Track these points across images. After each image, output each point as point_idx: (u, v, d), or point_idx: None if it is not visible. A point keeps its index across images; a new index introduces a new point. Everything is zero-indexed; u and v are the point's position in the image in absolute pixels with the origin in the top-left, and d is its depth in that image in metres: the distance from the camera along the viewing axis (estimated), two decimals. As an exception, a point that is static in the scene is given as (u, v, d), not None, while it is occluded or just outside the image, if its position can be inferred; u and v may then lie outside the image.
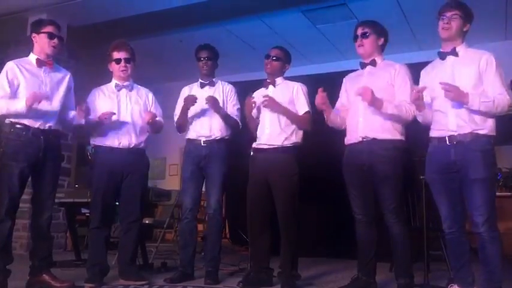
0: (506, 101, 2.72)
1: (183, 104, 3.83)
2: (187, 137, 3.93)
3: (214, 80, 3.97)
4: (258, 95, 3.77)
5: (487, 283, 2.69)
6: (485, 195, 2.68)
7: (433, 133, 2.92)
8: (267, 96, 3.56)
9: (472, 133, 2.75)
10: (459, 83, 2.78)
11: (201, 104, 3.82)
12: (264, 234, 3.57)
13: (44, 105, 3.32)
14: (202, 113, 3.85)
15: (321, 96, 3.28)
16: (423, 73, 3.08)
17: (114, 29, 6.03)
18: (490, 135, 2.77)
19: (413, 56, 5.77)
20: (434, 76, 2.94)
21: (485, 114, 2.74)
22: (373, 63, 3.29)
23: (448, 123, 2.82)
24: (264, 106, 3.59)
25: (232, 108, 3.94)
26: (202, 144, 3.82)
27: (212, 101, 3.72)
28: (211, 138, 3.81)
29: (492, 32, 6.08)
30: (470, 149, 2.73)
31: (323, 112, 3.36)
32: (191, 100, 3.72)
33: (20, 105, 3.20)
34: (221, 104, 3.86)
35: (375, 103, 3.08)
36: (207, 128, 3.83)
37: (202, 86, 3.96)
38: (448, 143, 2.80)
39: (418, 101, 2.90)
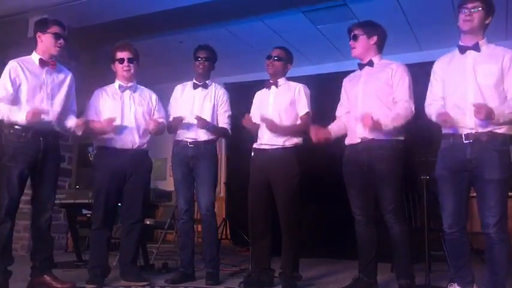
0: None
1: (175, 106, 3.91)
2: (174, 138, 3.94)
3: (208, 82, 3.97)
4: (260, 96, 3.78)
5: (492, 284, 2.67)
6: (498, 197, 2.64)
7: (448, 129, 2.85)
8: (264, 118, 3.55)
9: (490, 131, 2.68)
10: (480, 80, 2.72)
11: (189, 107, 3.82)
12: (265, 235, 3.57)
13: (45, 108, 3.33)
14: (190, 114, 3.83)
15: (315, 134, 3.27)
16: (438, 65, 2.99)
17: (115, 30, 6.04)
18: (507, 134, 2.70)
19: (414, 56, 5.78)
20: (451, 70, 2.87)
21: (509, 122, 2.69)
22: (371, 63, 3.28)
23: (466, 120, 2.74)
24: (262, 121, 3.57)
25: (223, 115, 3.93)
26: (189, 145, 3.82)
27: (201, 125, 3.74)
28: (197, 140, 3.82)
29: (493, 31, 6.03)
30: (488, 148, 2.67)
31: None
32: (179, 121, 3.78)
33: (20, 117, 3.21)
34: (211, 108, 3.88)
35: (375, 127, 3.03)
36: (193, 132, 3.82)
37: (195, 87, 3.95)
38: (464, 140, 2.74)
39: (446, 123, 2.82)
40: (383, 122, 3.03)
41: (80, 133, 3.52)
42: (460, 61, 2.85)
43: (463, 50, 2.84)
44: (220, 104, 3.94)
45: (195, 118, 3.74)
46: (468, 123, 2.74)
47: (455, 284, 2.86)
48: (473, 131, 2.72)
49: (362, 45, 3.26)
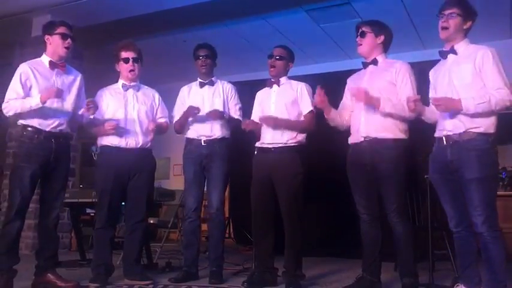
0: (505, 95, 2.63)
1: (182, 107, 3.85)
2: (187, 137, 3.93)
3: (213, 79, 3.97)
4: (262, 95, 3.78)
5: (492, 283, 2.67)
6: (482, 195, 2.64)
7: (436, 133, 2.91)
8: (264, 117, 3.55)
9: (467, 132, 2.70)
10: (455, 82, 2.76)
11: (201, 104, 3.82)
12: (268, 234, 3.57)
13: (56, 108, 3.36)
14: (202, 113, 3.83)
15: (319, 94, 3.27)
16: (430, 73, 3.04)
17: (118, 29, 6.05)
18: (487, 133, 2.70)
19: (417, 55, 5.76)
20: (438, 76, 2.94)
21: (484, 115, 2.68)
22: (375, 62, 3.28)
23: (445, 123, 2.80)
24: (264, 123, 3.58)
25: (234, 107, 3.94)
26: (203, 143, 3.82)
27: (214, 115, 3.74)
28: (212, 138, 3.82)
29: (496, 30, 6.05)
30: (465, 148, 2.70)
31: (323, 110, 3.35)
32: (193, 112, 3.74)
33: (34, 102, 3.23)
34: (222, 104, 3.87)
35: (371, 102, 3.08)
36: (207, 128, 3.83)
37: (201, 85, 3.96)
38: (444, 143, 2.79)
39: (415, 109, 2.89)
40: (382, 103, 3.06)
41: (91, 115, 3.51)
42: (442, 66, 2.92)
43: (443, 55, 2.91)
44: (230, 98, 3.95)
45: (206, 114, 3.74)
46: (447, 126, 2.79)
47: (462, 284, 2.85)
48: (452, 133, 2.76)
49: (369, 42, 3.27)
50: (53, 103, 3.35)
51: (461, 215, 2.81)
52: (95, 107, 3.44)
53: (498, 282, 2.64)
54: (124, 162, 3.57)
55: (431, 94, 2.99)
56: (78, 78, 3.58)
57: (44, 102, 3.22)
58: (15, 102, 3.26)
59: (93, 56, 6.62)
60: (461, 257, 2.87)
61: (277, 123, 3.52)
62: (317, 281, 3.84)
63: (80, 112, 3.55)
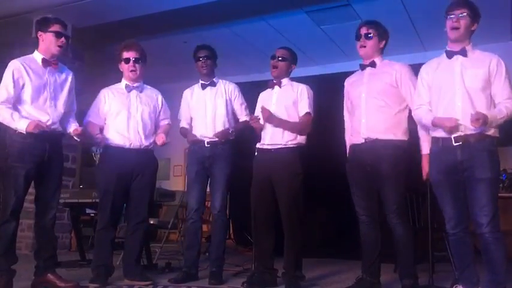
0: None
1: (187, 110, 3.90)
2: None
3: (215, 79, 3.97)
4: (264, 96, 3.77)
5: (492, 284, 2.68)
6: (490, 195, 2.67)
7: (437, 133, 2.89)
8: (264, 110, 3.54)
9: (478, 133, 2.73)
10: (468, 84, 2.77)
11: (202, 108, 3.83)
12: (268, 234, 3.57)
13: (49, 107, 3.34)
14: (205, 114, 3.86)
15: None
16: (424, 70, 3.04)
17: (119, 30, 6.05)
18: (494, 136, 2.77)
19: (418, 57, 5.75)
20: (440, 74, 2.91)
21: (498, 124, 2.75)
22: (373, 64, 3.28)
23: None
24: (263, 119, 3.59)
25: (240, 107, 3.96)
26: (206, 145, 3.83)
27: (221, 136, 3.78)
28: (215, 140, 3.82)
29: (497, 32, 6.06)
30: (477, 149, 2.72)
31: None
32: (196, 141, 3.83)
33: (20, 126, 3.18)
34: (224, 104, 3.88)
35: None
36: (210, 130, 3.84)
37: (203, 87, 3.96)
38: (454, 143, 2.78)
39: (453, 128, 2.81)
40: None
41: (79, 140, 3.56)
42: (447, 66, 2.90)
43: (450, 55, 2.90)
44: (234, 98, 3.96)
45: (214, 135, 3.77)
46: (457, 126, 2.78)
47: (460, 285, 2.86)
48: (463, 134, 2.76)
49: (373, 45, 3.26)
50: (45, 103, 3.33)
51: (460, 216, 2.82)
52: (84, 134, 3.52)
53: (498, 283, 2.66)
54: (127, 163, 3.57)
55: (424, 90, 2.98)
56: (70, 77, 3.54)
57: (28, 133, 3.17)
58: (5, 111, 3.19)
59: (93, 57, 6.62)
60: (459, 258, 2.89)
61: (271, 119, 3.52)
62: (317, 282, 3.84)
63: (68, 131, 3.51)
